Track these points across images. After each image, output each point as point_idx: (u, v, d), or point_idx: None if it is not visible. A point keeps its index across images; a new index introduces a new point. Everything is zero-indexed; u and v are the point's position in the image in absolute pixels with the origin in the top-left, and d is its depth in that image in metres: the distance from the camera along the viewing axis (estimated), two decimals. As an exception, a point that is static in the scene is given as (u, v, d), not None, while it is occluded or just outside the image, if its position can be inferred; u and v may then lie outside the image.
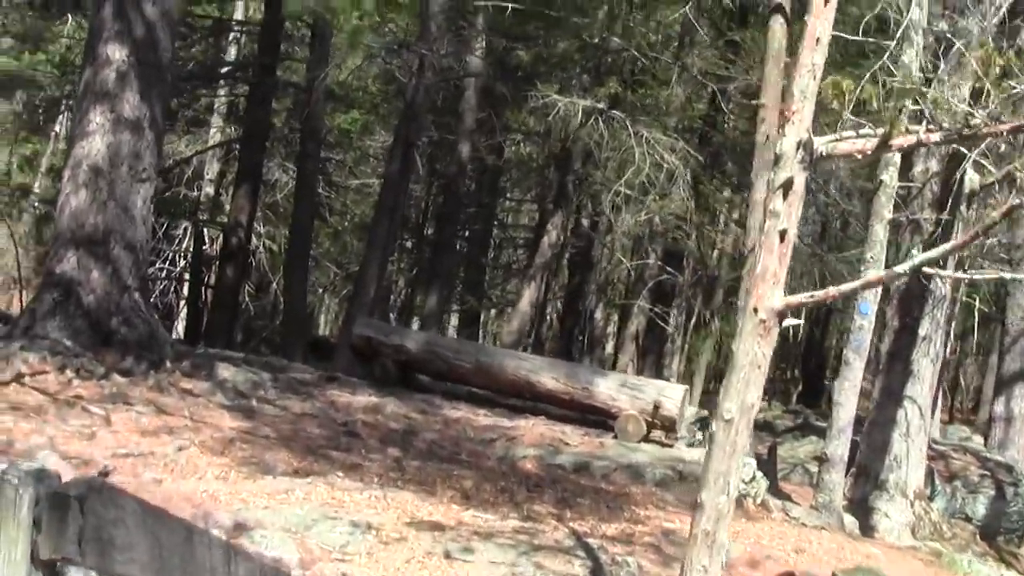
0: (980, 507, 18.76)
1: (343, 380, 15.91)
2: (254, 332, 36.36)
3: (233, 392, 13.71)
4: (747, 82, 24.11)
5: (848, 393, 15.64)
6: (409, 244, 36.90)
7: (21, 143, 32.12)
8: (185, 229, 29.00)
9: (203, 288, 27.57)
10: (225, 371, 14.36)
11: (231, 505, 9.23)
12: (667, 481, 13.77)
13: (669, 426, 15.29)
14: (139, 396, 12.52)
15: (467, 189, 29.79)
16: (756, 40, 23.81)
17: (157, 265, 28.88)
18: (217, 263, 26.16)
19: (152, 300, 30.92)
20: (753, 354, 6.55)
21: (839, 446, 15.68)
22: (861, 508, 16.39)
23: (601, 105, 21.46)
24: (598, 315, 31.50)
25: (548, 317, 32.35)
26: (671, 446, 15.34)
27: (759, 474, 15.07)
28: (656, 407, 15.11)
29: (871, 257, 15.34)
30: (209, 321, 25.08)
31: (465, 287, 33.46)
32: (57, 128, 35.90)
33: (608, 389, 15.47)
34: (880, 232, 15.38)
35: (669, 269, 27.50)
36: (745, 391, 6.56)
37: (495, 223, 35.86)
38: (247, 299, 30.60)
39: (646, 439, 15.09)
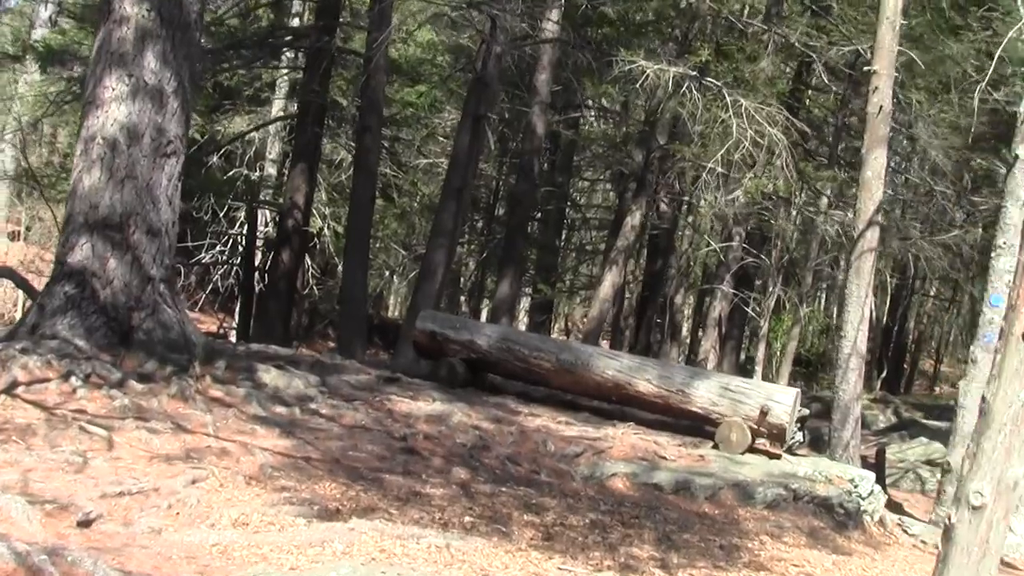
0: (1100, 512, 16.28)
1: (404, 382, 13.55)
2: (321, 316, 34.52)
3: (273, 400, 11.40)
4: (841, 52, 21.75)
5: (975, 395, 13.35)
6: (480, 225, 35.07)
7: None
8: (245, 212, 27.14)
9: (256, 274, 25.39)
10: (266, 374, 12.08)
11: (246, 566, 6.89)
12: (779, 502, 11.58)
13: (778, 435, 12.89)
14: (156, 408, 10.26)
15: (541, 168, 27.48)
16: (849, 7, 21.48)
17: (217, 249, 27.08)
18: (273, 247, 23.90)
19: (210, 287, 29.58)
20: (1019, 404, 4.07)
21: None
22: None
23: (694, 73, 18.92)
24: (678, 300, 29.10)
25: (627, 302, 29.89)
26: (778, 457, 13.02)
27: (877, 488, 12.86)
28: (763, 413, 12.78)
29: (1003, 243, 13.26)
30: (264, 309, 22.84)
31: (537, 271, 31.38)
32: None
33: (708, 393, 13.09)
34: (1016, 215, 13.22)
35: (754, 252, 25.14)
36: (1006, 462, 4.07)
37: (568, 203, 33.62)
38: (312, 283, 28.89)
39: (750, 448, 12.79)
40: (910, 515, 14.22)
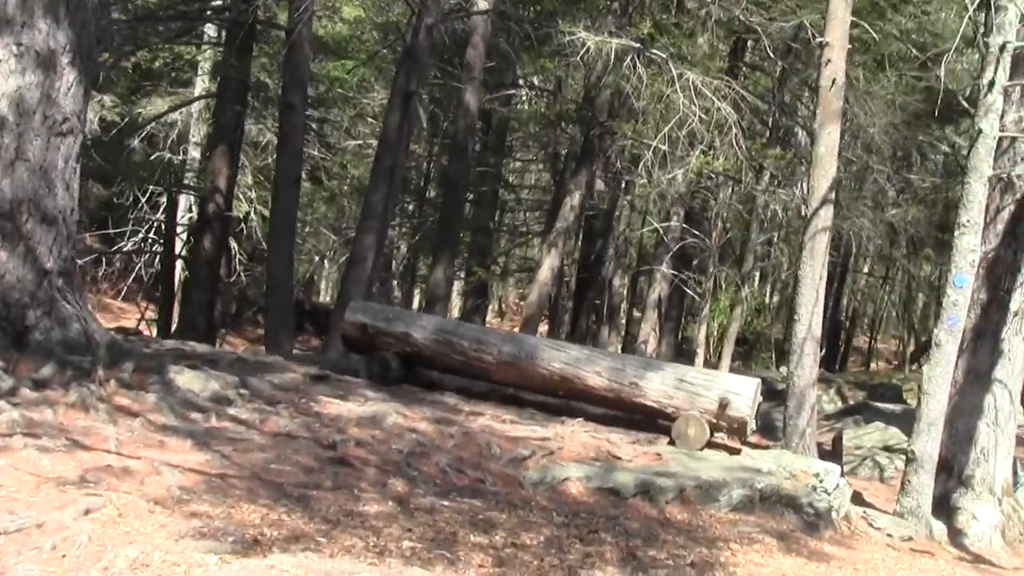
0: (1065, 497, 15.42)
1: (333, 380, 12.25)
2: (250, 303, 33.15)
3: (186, 406, 10.06)
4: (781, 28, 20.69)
5: (939, 380, 12.52)
6: (411, 208, 33.91)
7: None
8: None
9: (179, 263, 24.00)
10: (179, 376, 10.72)
11: (142, 623, 5.61)
12: (746, 504, 10.53)
13: (739, 429, 11.78)
14: (51, 421, 8.89)
15: (474, 148, 26.24)
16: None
17: (140, 236, 25.75)
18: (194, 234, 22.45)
19: (132, 276, 28.12)
20: None
21: (928, 442, 12.50)
22: (942, 507, 13.25)
23: (637, 44, 17.66)
24: (616, 282, 27.96)
25: (564, 285, 28.71)
26: (739, 451, 11.94)
27: (842, 481, 11.87)
28: (722, 406, 11.68)
29: (967, 221, 12.24)
30: (187, 299, 21.40)
31: (472, 254, 30.18)
32: None
33: (663, 385, 11.92)
34: (980, 191, 12.23)
35: (694, 232, 24.13)
36: None
37: (501, 184, 32.46)
38: (239, 270, 27.59)
39: (709, 443, 11.72)
40: (872, 505, 13.23)
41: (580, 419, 12.09)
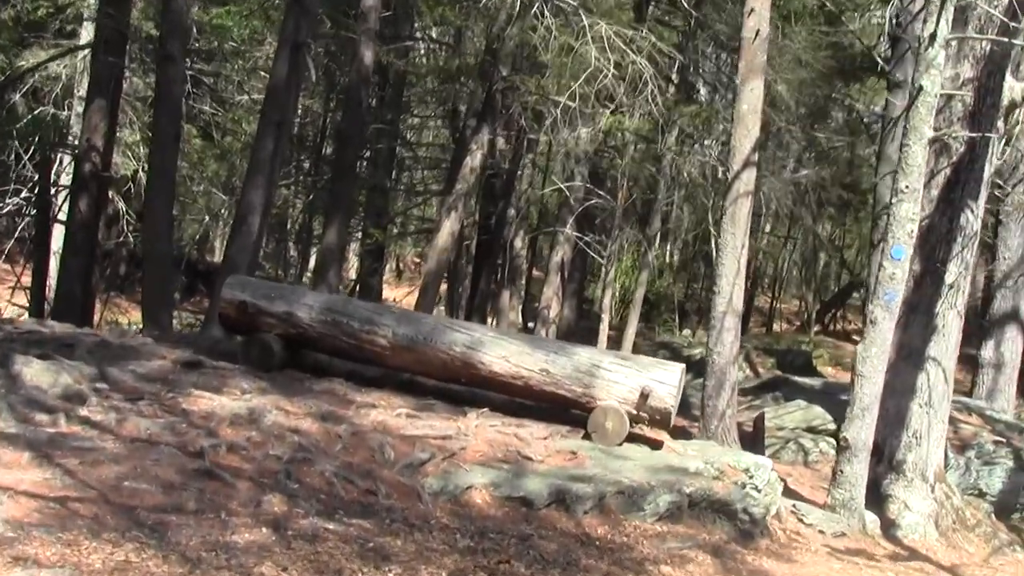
0: (997, 481, 14.50)
1: (207, 367, 10.73)
2: (140, 264, 31.46)
3: (30, 406, 8.52)
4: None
5: (875, 361, 11.28)
6: (307, 165, 32.38)
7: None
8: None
9: (51, 226, 22.25)
10: (26, 368, 9.16)
11: None
12: (673, 512, 9.34)
13: (662, 420, 10.49)
14: None
15: (369, 103, 24.72)
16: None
17: (23, 195, 24.10)
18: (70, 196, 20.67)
19: (14, 237, 26.36)
20: None
21: (862, 429, 11.33)
22: (873, 494, 12.04)
23: (542, -8, 16.25)
24: (517, 244, 26.57)
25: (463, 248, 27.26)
26: (661, 445, 10.66)
27: (773, 476, 10.75)
28: (644, 396, 10.37)
29: (906, 187, 10.98)
30: (63, 265, 19.65)
31: (368, 214, 28.69)
32: None
33: (578, 373, 10.56)
34: (920, 154, 10.99)
35: (600, 192, 22.90)
36: None
37: (398, 141, 30.97)
38: (127, 230, 26.01)
39: (628, 437, 10.42)
40: (800, 496, 12.11)
41: (485, 409, 10.75)
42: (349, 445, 9.01)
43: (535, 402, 10.89)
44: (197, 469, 7.83)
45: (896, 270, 11.12)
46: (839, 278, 42.87)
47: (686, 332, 34.55)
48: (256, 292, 11.51)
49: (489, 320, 28.22)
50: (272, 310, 11.29)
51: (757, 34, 13.99)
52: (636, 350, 22.69)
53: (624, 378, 10.45)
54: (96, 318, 25.69)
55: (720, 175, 18.03)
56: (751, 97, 14.14)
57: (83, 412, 8.61)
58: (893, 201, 11.17)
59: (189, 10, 17.64)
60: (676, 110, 19.39)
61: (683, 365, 10.88)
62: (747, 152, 14.03)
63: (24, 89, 24.95)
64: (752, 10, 14.04)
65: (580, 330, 32.58)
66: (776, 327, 39.32)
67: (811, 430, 15.59)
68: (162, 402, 9.23)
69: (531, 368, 10.63)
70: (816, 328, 35.57)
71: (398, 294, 40.26)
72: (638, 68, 15.73)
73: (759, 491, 10.08)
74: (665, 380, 10.40)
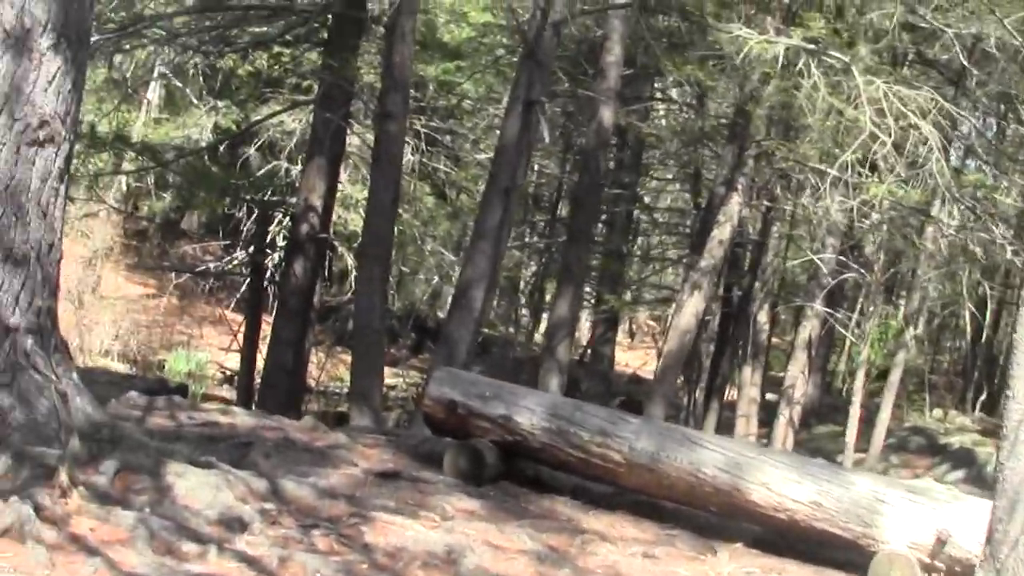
0: None
1: (405, 478, 8.81)
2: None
3: (178, 535, 6.68)
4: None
5: None
6: (542, 225, 31.16)
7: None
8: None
9: (263, 289, 21.12)
10: (180, 480, 7.36)
11: None
12: None
13: (961, 574, 8.04)
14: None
15: (606, 166, 23.05)
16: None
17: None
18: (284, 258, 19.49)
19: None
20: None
21: None
22: None
23: (812, 47, 14.06)
24: (762, 318, 24.38)
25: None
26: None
27: None
28: (940, 542, 7.95)
29: None
30: (274, 331, 18.32)
31: (602, 280, 27.00)
32: (150, 95, 31.26)
33: (855, 507, 8.26)
34: None
35: (855, 266, 20.69)
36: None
37: (636, 205, 29.29)
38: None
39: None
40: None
41: (739, 545, 8.56)
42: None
43: (800, 538, 8.66)
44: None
45: None
46: None
47: (936, 413, 31.57)
48: (469, 390, 9.56)
49: (727, 393, 26.18)
50: (487, 412, 9.34)
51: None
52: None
53: (914, 517, 8.14)
54: (317, 376, 24.57)
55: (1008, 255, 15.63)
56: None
57: (240, 544, 6.75)
58: None
59: (410, 63, 16.02)
60: (956, 180, 16.94)
61: (990, 503, 8.49)
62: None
63: (258, 143, 24.19)
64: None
65: (823, 408, 30.15)
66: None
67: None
68: (341, 531, 7.32)
69: (798, 499, 8.41)
70: None
71: (630, 357, 38.44)
72: (922, 134, 13.40)
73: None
74: (967, 522, 8.03)
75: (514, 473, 9.52)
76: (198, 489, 7.34)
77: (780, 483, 8.48)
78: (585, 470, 9.22)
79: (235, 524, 7.06)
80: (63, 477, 6.87)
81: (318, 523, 7.40)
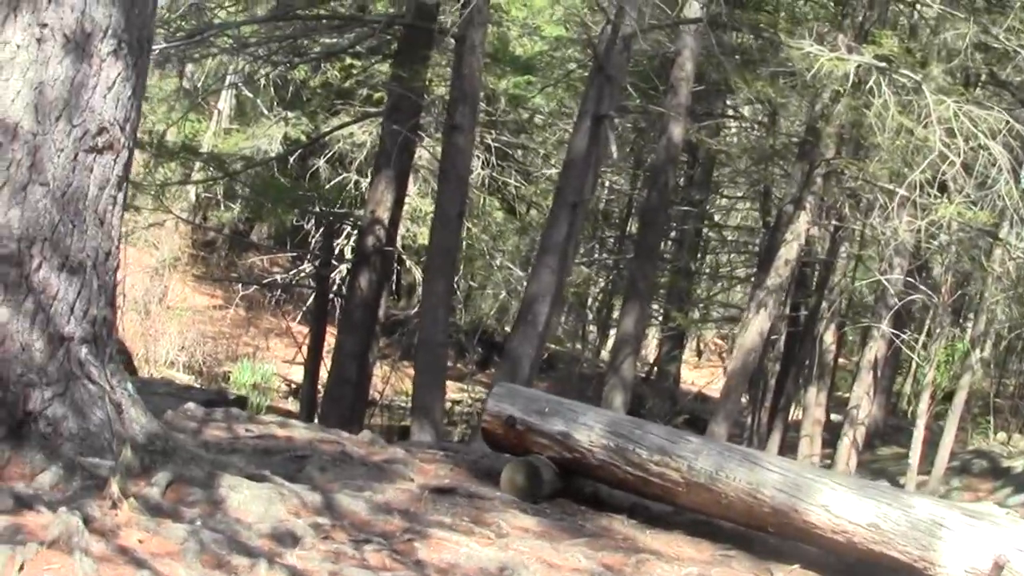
0: None
1: (461, 493, 8.69)
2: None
3: (229, 548, 6.60)
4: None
5: None
6: (612, 241, 31.02)
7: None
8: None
9: (328, 302, 21.12)
10: (233, 493, 7.30)
11: None
12: None
13: (1025, 603, 7.82)
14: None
15: (676, 183, 22.84)
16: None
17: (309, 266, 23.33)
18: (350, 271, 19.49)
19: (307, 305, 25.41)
20: None
21: None
22: None
23: (883, 65, 13.84)
24: (828, 338, 24.09)
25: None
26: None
27: None
28: (998, 567, 7.72)
29: None
30: (337, 344, 18.30)
31: (669, 298, 26.77)
32: (221, 105, 31.47)
33: (914, 530, 8.04)
34: None
35: (923, 288, 20.41)
36: None
37: (705, 223, 29.07)
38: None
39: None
40: None
41: (796, 567, 8.36)
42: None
43: (857, 560, 8.45)
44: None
45: None
46: None
47: (1001, 436, 31.09)
48: (528, 406, 9.44)
49: (792, 413, 25.89)
50: (545, 429, 9.21)
51: None
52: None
53: (972, 540, 7.91)
54: (381, 389, 24.54)
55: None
56: None
57: (291, 558, 6.67)
58: None
59: (479, 76, 15.92)
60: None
61: (1053, 529, 8.23)
62: None
63: (328, 155, 24.27)
64: None
65: (887, 429, 29.80)
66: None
67: None
68: (394, 546, 7.21)
69: (857, 522, 8.21)
70: None
71: (697, 376, 38.18)
72: (992, 155, 13.13)
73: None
74: (1027, 546, 7.79)
75: (572, 491, 9.40)
76: (251, 502, 7.28)
77: (839, 504, 8.28)
78: (643, 488, 9.07)
79: (287, 538, 6.98)
80: (114, 488, 6.81)
81: (371, 538, 7.30)
